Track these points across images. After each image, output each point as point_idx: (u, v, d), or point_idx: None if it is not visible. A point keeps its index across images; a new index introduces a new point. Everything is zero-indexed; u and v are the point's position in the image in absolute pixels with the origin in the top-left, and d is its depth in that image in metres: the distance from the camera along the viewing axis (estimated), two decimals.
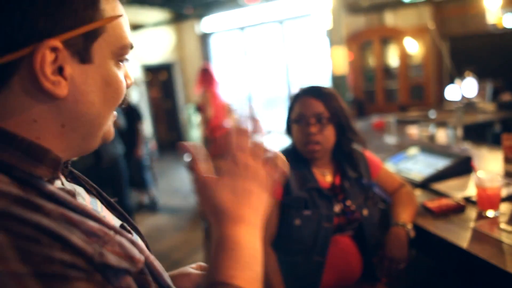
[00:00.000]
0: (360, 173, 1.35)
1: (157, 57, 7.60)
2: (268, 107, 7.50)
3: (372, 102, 6.47)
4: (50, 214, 0.40)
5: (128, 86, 0.53)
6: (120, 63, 0.51)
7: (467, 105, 3.18)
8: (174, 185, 5.30)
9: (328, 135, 1.26)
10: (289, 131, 1.35)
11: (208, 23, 7.48)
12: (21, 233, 0.37)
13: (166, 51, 7.75)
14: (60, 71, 0.44)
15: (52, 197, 0.43)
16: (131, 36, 0.51)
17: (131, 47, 0.51)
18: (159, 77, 7.98)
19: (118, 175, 3.21)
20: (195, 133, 7.41)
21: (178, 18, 7.21)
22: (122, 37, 0.49)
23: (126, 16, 0.51)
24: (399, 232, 1.22)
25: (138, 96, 6.91)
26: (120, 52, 0.49)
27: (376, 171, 1.40)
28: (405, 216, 1.27)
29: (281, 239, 1.25)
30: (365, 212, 1.27)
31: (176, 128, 7.93)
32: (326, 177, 1.32)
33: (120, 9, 0.50)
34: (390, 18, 6.46)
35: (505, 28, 5.83)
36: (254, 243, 0.51)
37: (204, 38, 7.65)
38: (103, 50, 0.47)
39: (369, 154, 1.43)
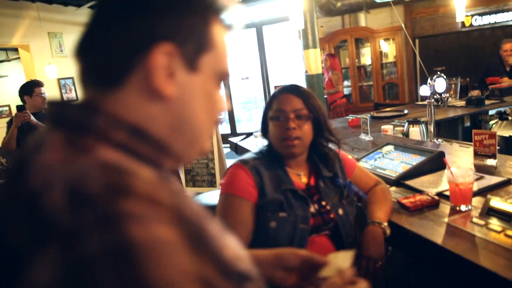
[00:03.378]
0: (335, 172, 1.34)
1: None
2: (244, 108, 7.49)
3: (349, 101, 6.55)
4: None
5: (223, 110, 0.57)
6: (219, 86, 0.54)
7: (439, 101, 3.25)
8: None
9: (307, 131, 1.25)
10: (265, 131, 1.33)
11: None
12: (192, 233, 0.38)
13: None
14: (170, 74, 0.46)
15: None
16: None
17: (228, 77, 0.55)
18: None
19: None
20: None
21: None
22: (225, 63, 0.53)
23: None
24: (375, 231, 1.22)
25: None
26: (221, 75, 0.53)
27: (351, 170, 1.41)
28: (380, 214, 1.27)
29: (257, 242, 1.22)
30: (340, 211, 1.27)
31: None
32: (301, 178, 1.31)
33: (228, 40, 0.53)
34: (364, 19, 6.57)
35: (472, 26, 6.03)
36: None
37: None
38: (209, 66, 0.50)
39: (343, 154, 1.43)
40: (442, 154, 1.67)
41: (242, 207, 1.18)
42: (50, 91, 5.88)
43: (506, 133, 3.46)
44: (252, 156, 1.29)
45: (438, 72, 2.52)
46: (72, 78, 6.27)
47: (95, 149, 0.40)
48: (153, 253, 0.33)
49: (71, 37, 6.27)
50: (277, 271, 0.82)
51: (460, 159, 1.92)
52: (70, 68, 6.24)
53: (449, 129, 3.62)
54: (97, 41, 0.46)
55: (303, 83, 3.80)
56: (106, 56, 0.46)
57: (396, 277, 0.94)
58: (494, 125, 3.55)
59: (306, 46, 3.56)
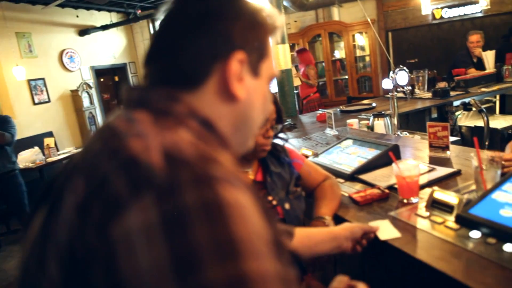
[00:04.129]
0: (283, 167, 1.35)
1: (109, 60, 7.37)
2: None
3: (324, 95, 6.59)
4: None
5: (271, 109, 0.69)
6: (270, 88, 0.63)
7: (407, 93, 3.29)
8: None
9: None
10: None
11: None
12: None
13: (118, 53, 7.53)
14: (240, 79, 0.54)
15: None
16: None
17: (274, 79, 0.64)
18: (112, 80, 7.73)
19: (13, 189, 3.44)
20: None
21: (129, 19, 7.02)
22: (274, 68, 0.60)
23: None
24: (319, 226, 1.23)
25: (88, 100, 6.66)
26: (271, 78, 0.61)
27: (299, 165, 1.41)
28: (325, 210, 1.29)
29: None
30: (287, 206, 1.27)
31: None
32: (248, 175, 1.31)
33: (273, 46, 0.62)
34: (337, 13, 6.60)
35: (442, 19, 6.14)
36: None
37: None
38: (266, 71, 0.58)
39: (292, 149, 1.44)
40: (396, 147, 1.69)
41: None
42: (20, 93, 5.74)
43: (471, 123, 3.55)
44: None
45: (400, 66, 2.55)
46: (43, 79, 6.12)
47: (178, 130, 0.47)
48: (238, 212, 0.39)
49: (40, 37, 6.12)
50: (349, 242, 1.10)
51: (418, 151, 1.95)
52: (41, 68, 6.09)
53: (417, 121, 3.69)
54: (179, 46, 0.52)
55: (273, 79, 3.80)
56: (190, 60, 0.52)
57: (345, 271, 0.95)
58: (459, 116, 3.63)
59: (275, 42, 3.55)
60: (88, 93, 6.65)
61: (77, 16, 6.66)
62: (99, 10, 6.83)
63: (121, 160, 0.42)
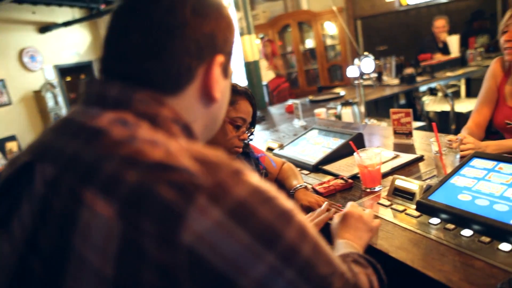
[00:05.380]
0: (251, 163, 1.35)
1: (73, 58, 7.09)
2: None
3: (295, 86, 6.58)
4: None
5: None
6: None
7: (374, 81, 3.30)
8: None
9: None
10: None
11: None
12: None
13: (83, 50, 7.26)
14: (217, 82, 0.55)
15: None
16: None
17: None
18: (78, 78, 7.47)
19: None
20: None
21: (93, 15, 6.75)
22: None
23: None
24: (305, 190, 1.32)
25: (53, 101, 6.41)
26: (231, 76, 0.62)
27: (263, 158, 1.41)
28: (300, 181, 1.37)
29: None
30: None
31: None
32: None
33: None
34: (306, 2, 6.57)
35: (409, 6, 6.19)
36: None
37: None
38: (230, 69, 0.59)
39: (252, 144, 1.42)
40: (360, 136, 1.68)
41: None
42: None
43: (439, 108, 3.60)
44: None
45: (366, 53, 2.54)
46: (2, 80, 5.84)
47: (176, 136, 0.50)
48: (269, 189, 0.47)
49: None
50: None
51: (385, 139, 1.94)
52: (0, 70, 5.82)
53: (386, 108, 3.71)
54: (163, 48, 0.50)
55: (242, 71, 3.74)
56: (175, 63, 0.51)
57: None
58: (427, 102, 3.68)
59: (241, 33, 3.48)
60: (52, 93, 6.41)
61: (33, 13, 6.34)
62: (60, 5, 6.54)
63: (152, 169, 0.42)
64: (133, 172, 0.42)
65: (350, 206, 0.99)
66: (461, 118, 3.26)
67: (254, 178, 0.46)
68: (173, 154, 0.44)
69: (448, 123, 3.31)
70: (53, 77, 6.61)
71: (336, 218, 0.98)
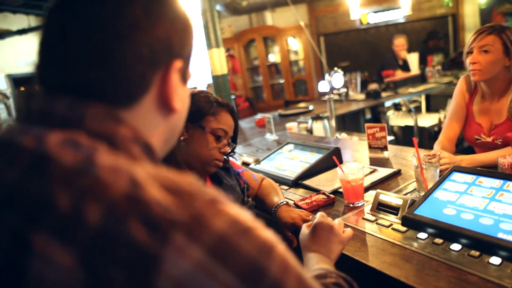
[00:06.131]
0: (232, 179, 1.31)
1: (29, 67, 6.73)
2: None
3: (261, 99, 6.62)
4: None
5: None
6: None
7: (342, 96, 3.37)
8: None
9: None
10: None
11: None
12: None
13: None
14: (176, 89, 0.49)
15: None
16: None
17: None
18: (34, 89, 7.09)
19: None
20: None
21: None
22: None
23: None
24: (287, 207, 1.27)
25: (6, 112, 6.03)
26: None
27: (243, 173, 1.37)
28: (280, 198, 1.32)
29: None
30: None
31: None
32: None
33: None
34: (271, 18, 6.67)
35: (369, 24, 6.46)
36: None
37: None
38: (189, 74, 0.53)
39: (231, 160, 1.39)
40: (338, 150, 1.68)
41: None
42: None
43: (402, 122, 3.73)
44: None
45: (336, 68, 2.59)
46: None
47: (138, 160, 0.44)
48: (246, 219, 0.42)
49: None
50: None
51: (358, 153, 1.96)
52: None
53: (353, 122, 3.80)
54: (113, 54, 0.43)
55: (210, 85, 3.69)
56: (127, 71, 0.44)
57: None
58: (391, 116, 3.81)
59: (209, 46, 3.45)
60: (5, 104, 6.03)
61: None
62: (14, 12, 6.22)
63: (118, 204, 0.36)
64: (95, 209, 0.36)
65: (320, 216, 0.94)
66: (424, 132, 3.39)
67: (230, 206, 0.41)
68: (140, 184, 0.38)
69: (411, 136, 3.43)
70: (5, 87, 6.23)
71: (306, 229, 0.94)
